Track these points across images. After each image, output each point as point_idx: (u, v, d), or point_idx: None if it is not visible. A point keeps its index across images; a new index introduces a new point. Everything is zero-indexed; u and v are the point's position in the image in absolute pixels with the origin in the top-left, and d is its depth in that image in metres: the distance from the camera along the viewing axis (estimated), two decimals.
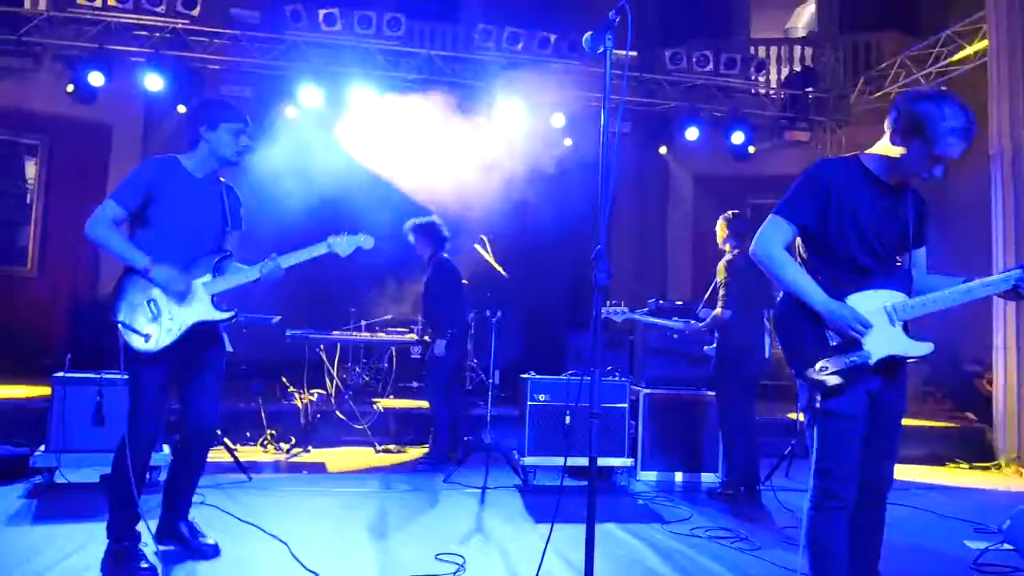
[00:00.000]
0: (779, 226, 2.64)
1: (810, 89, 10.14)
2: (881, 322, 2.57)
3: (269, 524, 4.04)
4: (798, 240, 2.69)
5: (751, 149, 9.59)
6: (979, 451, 7.23)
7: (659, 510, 4.89)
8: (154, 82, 8.21)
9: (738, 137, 9.49)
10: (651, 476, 5.70)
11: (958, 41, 8.68)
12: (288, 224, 7.55)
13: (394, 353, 7.83)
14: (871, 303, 2.58)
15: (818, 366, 2.52)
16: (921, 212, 2.72)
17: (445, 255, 6.24)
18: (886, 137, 2.61)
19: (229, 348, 5.96)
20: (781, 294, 2.69)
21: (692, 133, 9.42)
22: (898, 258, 2.71)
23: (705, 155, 10.49)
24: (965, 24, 8.47)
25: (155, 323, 3.21)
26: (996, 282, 2.62)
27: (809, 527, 2.59)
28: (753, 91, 10.22)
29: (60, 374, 4.83)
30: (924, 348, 2.61)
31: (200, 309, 3.29)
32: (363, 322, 7.67)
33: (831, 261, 2.62)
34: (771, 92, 10.43)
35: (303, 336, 6.78)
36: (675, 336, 5.62)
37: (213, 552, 3.55)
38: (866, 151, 2.70)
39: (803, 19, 13.86)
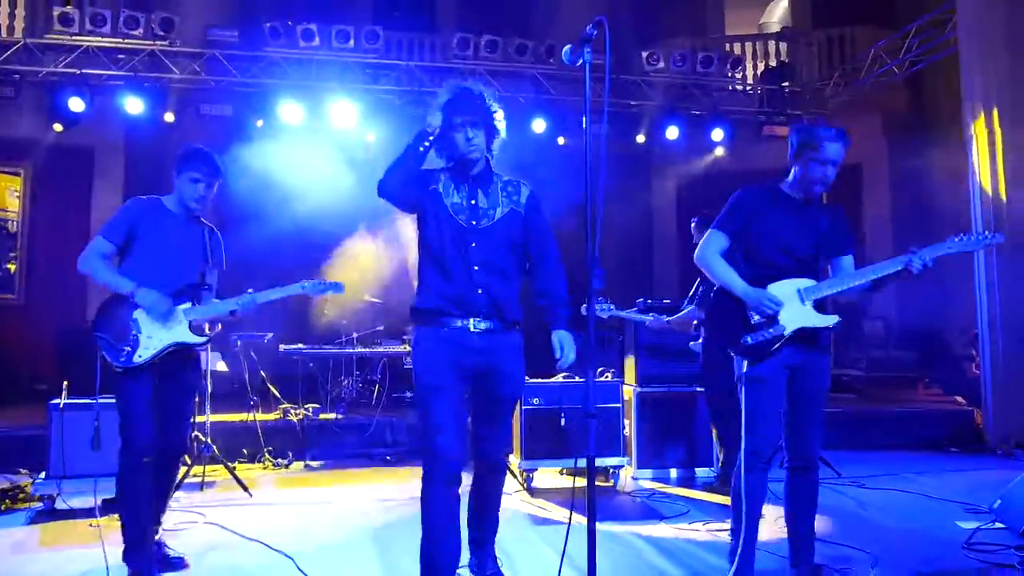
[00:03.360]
0: (716, 237, 3.32)
1: (786, 83, 10.25)
2: (793, 301, 3.19)
3: (273, 539, 4.08)
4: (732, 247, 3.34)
5: (718, 151, 9.78)
6: (969, 434, 7.33)
7: (657, 507, 4.95)
8: (134, 105, 8.23)
9: (718, 134, 9.60)
10: (647, 474, 5.76)
11: (930, 31, 8.81)
12: (274, 235, 7.63)
13: (387, 364, 7.86)
14: (785, 289, 3.20)
15: (745, 339, 3.17)
16: (836, 224, 3.33)
17: None
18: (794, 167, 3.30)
19: (224, 367, 6.02)
20: (715, 289, 3.36)
21: (672, 132, 9.52)
22: (813, 263, 3.29)
23: (686, 153, 10.59)
24: (936, 15, 8.60)
25: (135, 339, 3.42)
26: (889, 264, 3.16)
27: (737, 484, 3.21)
28: (730, 88, 10.33)
29: (57, 401, 4.84)
30: (830, 320, 3.23)
31: (179, 332, 3.50)
32: (355, 334, 7.70)
33: (755, 264, 3.27)
34: (748, 88, 10.54)
35: (296, 351, 6.80)
36: (650, 325, 5.67)
37: (181, 564, 3.66)
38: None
39: (777, 14, 13.99)
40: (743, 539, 3.15)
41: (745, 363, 3.18)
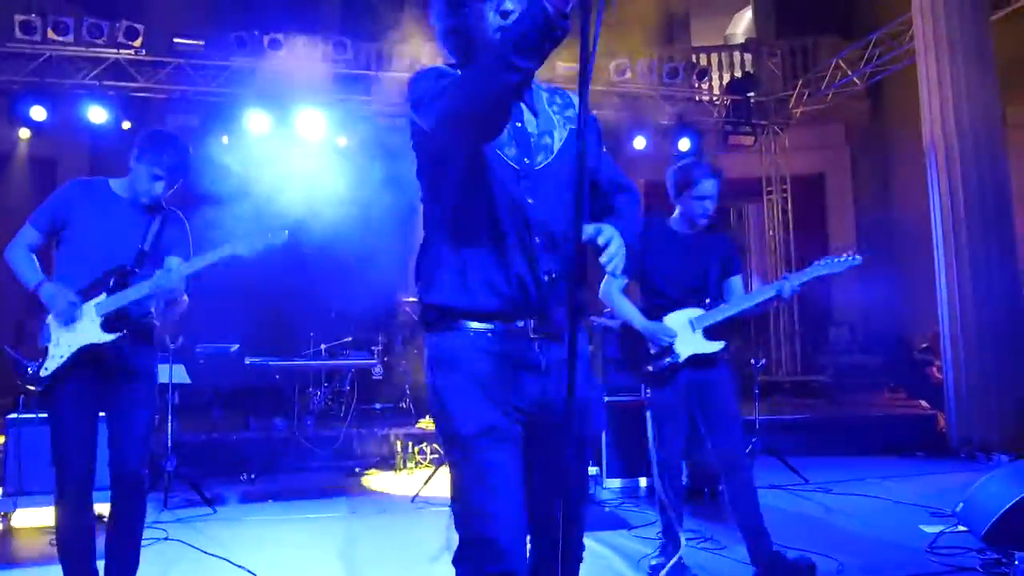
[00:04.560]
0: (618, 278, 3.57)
1: (751, 94, 10.39)
2: (686, 331, 3.53)
3: (237, 556, 4.01)
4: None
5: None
6: (933, 438, 7.45)
7: (626, 516, 4.96)
8: (98, 114, 8.11)
9: (684, 144, 9.70)
10: (616, 483, 5.76)
11: (889, 42, 8.99)
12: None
13: (355, 375, 7.80)
14: (678, 319, 3.54)
15: (646, 368, 3.53)
16: (722, 250, 3.66)
17: None
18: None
19: (187, 379, 5.92)
20: (619, 322, 3.67)
21: (639, 142, 9.60)
22: (703, 290, 3.60)
23: (653, 163, 10.67)
24: (895, 26, 8.78)
25: (44, 349, 2.93)
26: (765, 290, 3.52)
27: (656, 499, 3.73)
28: (696, 98, 10.44)
29: (13, 415, 4.72)
30: (717, 346, 3.57)
31: (87, 332, 2.93)
32: (323, 346, 7.63)
33: (650, 295, 3.61)
34: (714, 98, 10.67)
35: (263, 363, 6.72)
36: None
37: None
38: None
39: (741, 25, 14.21)
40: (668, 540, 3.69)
41: (648, 389, 3.60)
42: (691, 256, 3.61)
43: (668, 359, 3.51)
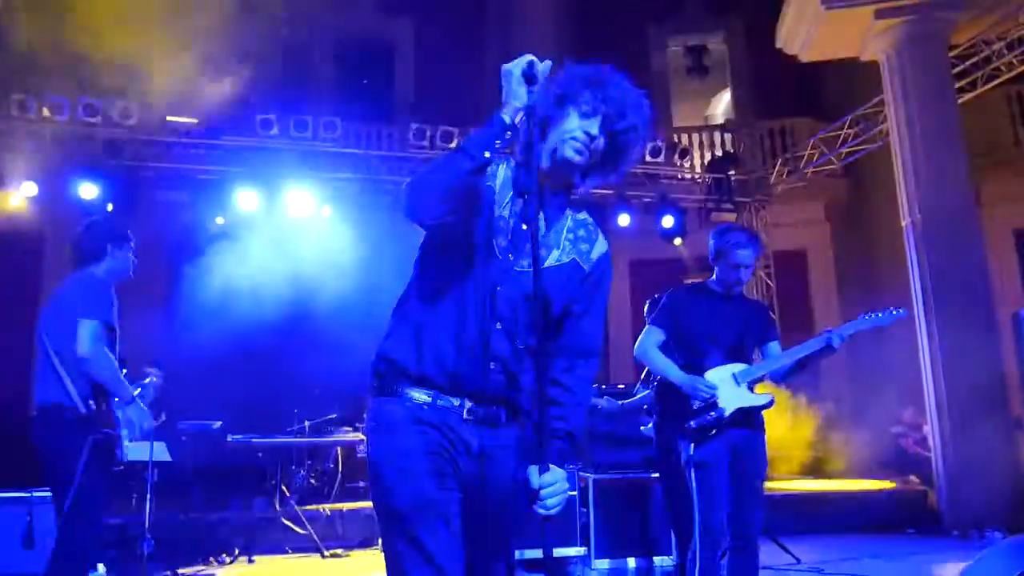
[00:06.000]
0: (652, 332, 3.67)
1: (732, 172, 10.64)
2: (730, 384, 3.45)
3: None
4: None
5: (677, 241, 10.03)
6: (925, 515, 7.38)
7: None
8: (88, 191, 8.19)
9: (668, 221, 9.87)
10: (604, 564, 5.64)
11: (864, 123, 9.30)
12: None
13: (340, 453, 7.68)
14: (721, 373, 3.48)
15: (687, 424, 3.41)
16: (758, 317, 3.71)
17: None
18: None
19: (168, 457, 5.82)
20: (657, 380, 3.69)
21: (624, 219, 9.76)
22: (739, 351, 3.57)
23: (638, 239, 10.84)
24: (867, 108, 9.10)
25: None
26: (813, 343, 3.49)
27: (692, 568, 3.36)
28: (679, 176, 10.69)
29: None
30: (764, 399, 3.51)
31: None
32: (307, 422, 7.54)
33: (688, 352, 3.57)
34: (696, 176, 10.92)
35: (245, 440, 6.62)
36: (604, 409, 5.67)
37: None
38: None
39: (720, 106, 14.66)
40: None
41: (692, 446, 3.40)
42: (729, 318, 3.60)
43: (713, 413, 3.41)
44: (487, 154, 1.84)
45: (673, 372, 3.51)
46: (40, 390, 3.25)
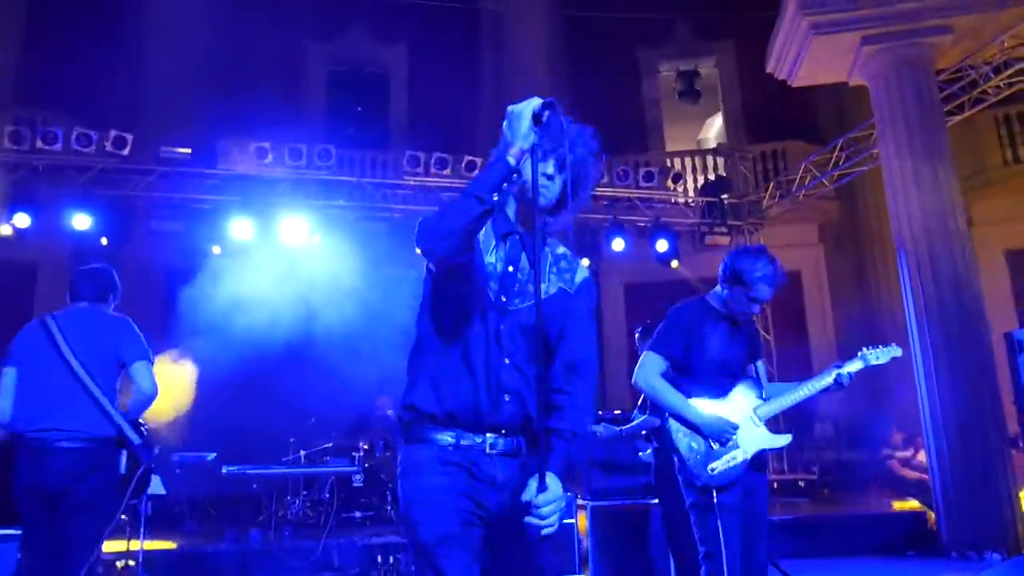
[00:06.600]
0: (653, 360, 3.35)
1: (725, 196, 10.69)
2: (748, 425, 3.23)
3: None
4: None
5: (674, 263, 10.04)
6: (925, 537, 7.32)
7: None
8: (82, 221, 8.17)
9: (662, 245, 9.90)
10: None
11: (855, 146, 9.37)
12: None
13: (335, 483, 7.61)
14: (737, 412, 3.24)
15: (709, 468, 3.14)
16: (755, 338, 3.54)
17: None
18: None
19: (162, 490, 5.76)
20: (667, 416, 3.29)
21: (618, 244, 9.78)
22: (743, 372, 3.41)
23: (633, 263, 10.86)
24: (858, 131, 9.18)
25: None
26: (823, 376, 3.34)
27: None
28: (672, 200, 10.73)
29: None
30: (784, 440, 3.35)
31: None
32: (302, 452, 7.48)
33: (696, 380, 3.29)
34: (689, 200, 10.97)
35: (240, 471, 6.57)
36: (602, 436, 5.65)
37: None
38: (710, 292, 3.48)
39: (713, 130, 14.78)
40: None
41: (714, 492, 3.14)
42: (740, 344, 3.42)
43: (734, 454, 3.16)
44: (495, 196, 1.97)
45: (690, 411, 3.22)
46: (83, 422, 3.30)
